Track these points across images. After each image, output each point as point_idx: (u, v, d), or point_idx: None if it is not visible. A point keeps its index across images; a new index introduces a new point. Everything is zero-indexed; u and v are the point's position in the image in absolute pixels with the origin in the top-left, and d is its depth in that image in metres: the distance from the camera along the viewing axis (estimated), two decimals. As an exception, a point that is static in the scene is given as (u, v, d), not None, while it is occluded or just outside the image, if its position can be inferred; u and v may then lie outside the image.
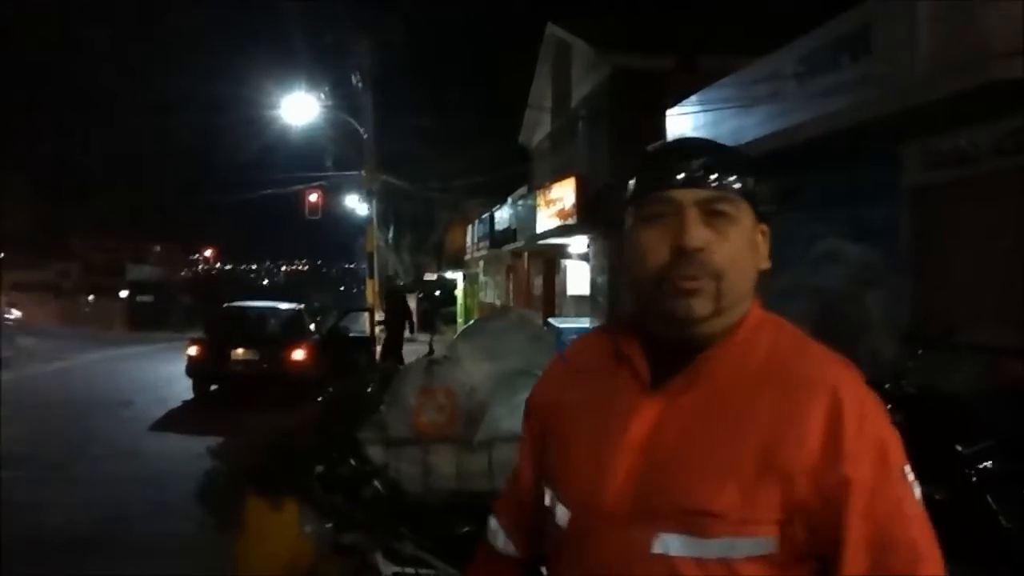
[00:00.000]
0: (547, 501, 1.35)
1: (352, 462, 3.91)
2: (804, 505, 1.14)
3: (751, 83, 10.34)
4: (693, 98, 12.21)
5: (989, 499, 5.49)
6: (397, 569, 3.47)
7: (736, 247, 1.23)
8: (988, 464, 5.61)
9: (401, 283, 35.49)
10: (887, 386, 6.67)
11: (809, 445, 1.14)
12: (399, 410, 4.50)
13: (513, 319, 4.92)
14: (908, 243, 8.14)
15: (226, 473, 5.15)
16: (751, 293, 1.29)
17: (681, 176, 1.24)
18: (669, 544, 1.17)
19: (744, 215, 1.26)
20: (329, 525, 3.67)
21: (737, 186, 1.25)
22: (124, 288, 41.62)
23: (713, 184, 1.24)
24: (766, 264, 1.31)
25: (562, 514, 1.30)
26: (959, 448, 5.80)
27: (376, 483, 3.80)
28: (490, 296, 32.43)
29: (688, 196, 1.23)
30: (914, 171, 8.00)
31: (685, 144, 1.34)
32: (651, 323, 1.30)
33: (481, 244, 29.97)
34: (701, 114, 11.89)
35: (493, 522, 1.56)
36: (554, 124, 23.14)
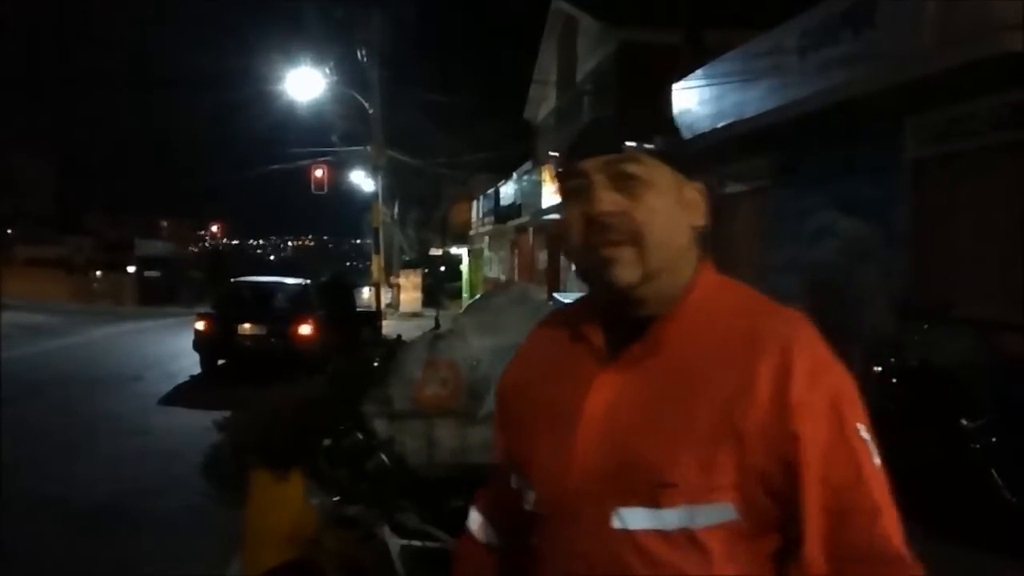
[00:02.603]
0: (514, 484, 1.35)
1: (358, 435, 3.96)
2: (760, 467, 1.11)
3: (754, 57, 10.32)
4: (698, 72, 12.18)
5: (993, 473, 5.53)
6: (403, 542, 3.52)
7: (652, 207, 1.21)
8: (992, 438, 5.64)
9: (407, 258, 35.55)
10: (891, 360, 6.72)
11: (758, 402, 1.11)
12: (403, 384, 4.54)
13: (517, 293, 4.96)
14: (907, 217, 8.14)
15: (232, 446, 5.21)
16: (688, 252, 1.27)
17: (587, 146, 1.26)
18: (629, 518, 1.15)
19: (659, 174, 1.23)
20: (335, 498, 3.72)
21: (648, 145, 1.24)
22: (133, 264, 41.65)
23: (617, 147, 1.23)
24: (701, 221, 1.29)
25: (529, 497, 1.30)
26: (963, 422, 5.84)
27: (381, 456, 3.85)
28: (495, 271, 32.45)
29: (593, 163, 1.23)
30: (914, 145, 8.00)
31: (596, 117, 1.38)
32: (600, 296, 1.30)
33: (486, 219, 29.97)
34: (706, 88, 11.86)
35: (474, 512, 1.54)
36: (559, 99, 23.07)
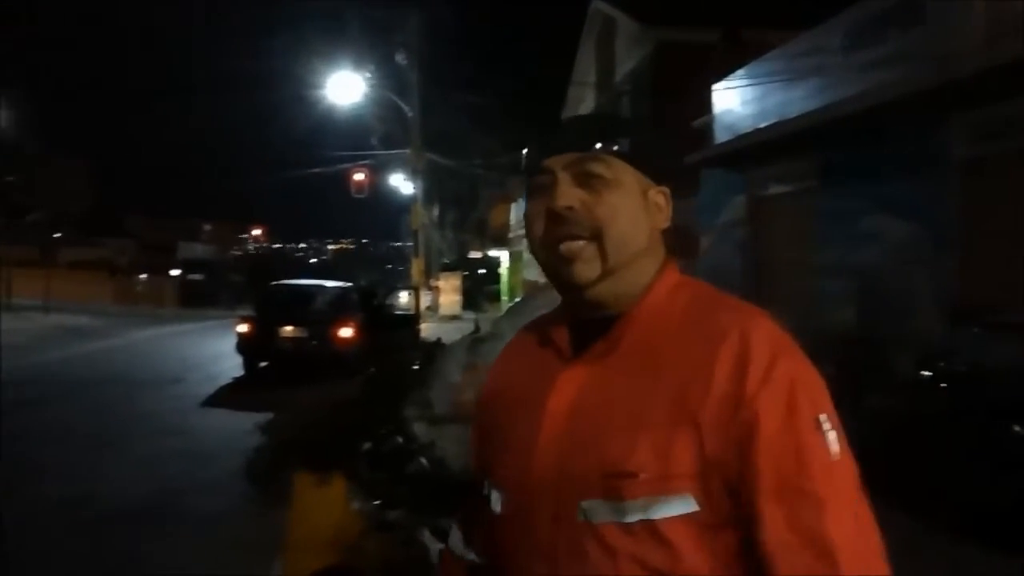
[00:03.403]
0: (485, 490, 1.34)
1: (398, 439, 3.93)
2: (716, 457, 1.11)
3: (796, 56, 10.20)
4: (739, 72, 12.06)
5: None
6: (442, 546, 3.48)
7: (614, 205, 1.23)
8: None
9: (446, 260, 35.63)
10: (940, 365, 6.59)
11: (716, 391, 1.12)
12: (443, 388, 4.51)
13: (552, 296, 4.91)
14: (955, 218, 7.97)
15: (274, 449, 5.21)
16: (650, 254, 1.29)
17: (554, 145, 1.28)
18: (591, 511, 1.15)
19: (623, 175, 1.26)
20: (376, 502, 3.69)
21: (613, 146, 1.26)
22: (175, 267, 42.23)
23: (584, 147, 1.25)
24: (665, 224, 1.30)
25: (496, 499, 1.30)
26: (1015, 428, 5.70)
27: (422, 460, 3.82)
28: (534, 274, 32.38)
29: (558, 162, 1.25)
30: (963, 144, 7.82)
31: (566, 119, 1.38)
32: (563, 297, 1.32)
33: (524, 222, 29.90)
34: (747, 89, 11.74)
35: (454, 527, 1.53)
36: (598, 100, 23.00)
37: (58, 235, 37.61)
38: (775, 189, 11.40)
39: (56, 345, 18.49)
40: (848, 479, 1.13)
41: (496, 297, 34.83)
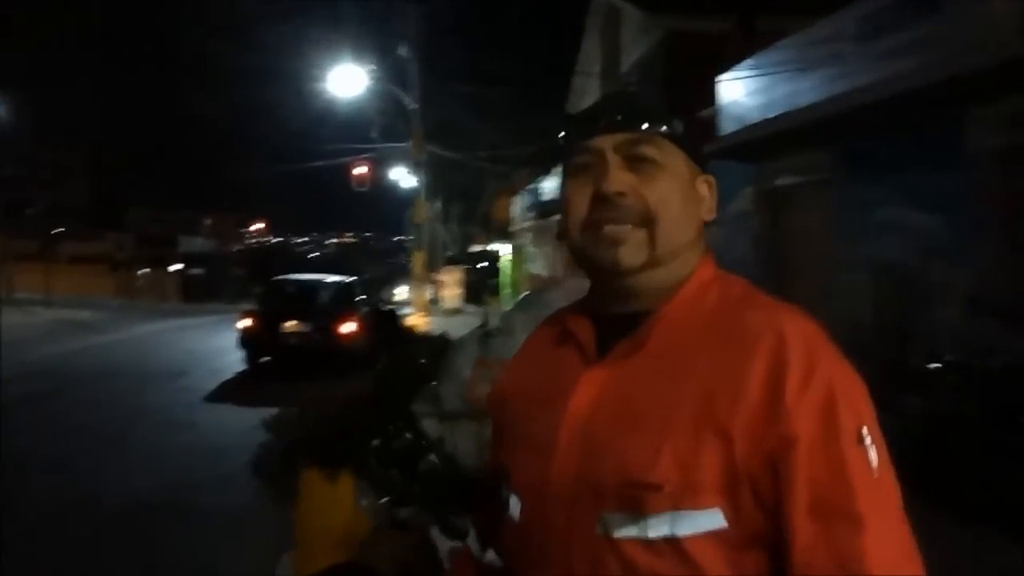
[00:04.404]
0: (503, 494, 1.27)
1: (408, 436, 3.82)
2: (748, 470, 1.03)
3: (809, 45, 10.05)
4: (749, 61, 11.91)
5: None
6: (453, 544, 3.39)
7: (666, 192, 1.17)
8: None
9: (449, 254, 35.57)
10: (963, 359, 6.48)
11: (748, 400, 1.04)
12: (453, 383, 4.38)
13: (570, 288, 4.78)
14: (977, 210, 7.82)
15: (281, 445, 5.12)
16: (695, 246, 1.22)
17: (602, 123, 1.20)
18: (611, 524, 1.08)
19: (675, 160, 1.19)
20: (386, 499, 3.58)
21: (666, 128, 1.19)
22: (176, 260, 42.22)
23: (635, 127, 1.19)
24: (711, 216, 1.24)
25: (514, 505, 1.22)
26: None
27: (432, 457, 3.71)
28: (537, 267, 32.30)
29: (607, 141, 1.18)
30: (984, 134, 7.67)
31: (611, 94, 1.29)
32: (593, 287, 1.26)
33: (528, 215, 29.84)
34: (756, 79, 11.60)
35: (472, 531, 1.48)
36: (603, 91, 22.85)
37: (58, 229, 37.63)
38: (784, 180, 11.27)
39: (59, 339, 18.46)
40: (890, 498, 1.05)
41: (497, 291, 34.79)
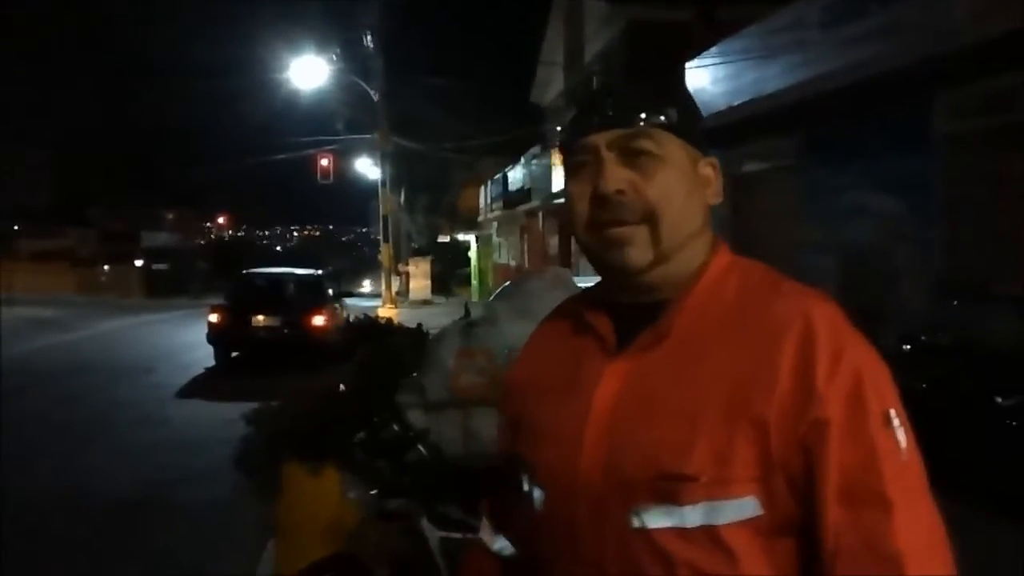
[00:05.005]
0: (525, 487, 1.25)
1: (395, 427, 3.86)
2: (781, 457, 1.04)
3: (773, 33, 10.16)
4: (713, 50, 12.02)
5: (1029, 450, 5.41)
6: (443, 534, 3.43)
7: (667, 184, 1.15)
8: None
9: (415, 245, 35.50)
10: (923, 339, 6.61)
11: (780, 387, 1.04)
12: (437, 373, 4.42)
13: (550, 277, 4.82)
14: (940, 193, 7.98)
15: (262, 439, 5.12)
16: (703, 233, 1.21)
17: (595, 120, 1.18)
18: (646, 517, 1.08)
19: (673, 149, 1.16)
20: (374, 491, 3.62)
21: (663, 116, 1.16)
22: (139, 256, 41.68)
23: (628, 122, 1.16)
24: (717, 199, 1.22)
25: (538, 497, 1.21)
26: (998, 400, 5.73)
27: (420, 447, 3.75)
28: (504, 257, 32.36)
29: (601, 139, 1.16)
30: (947, 120, 7.83)
31: (602, 85, 1.28)
32: (605, 281, 1.25)
33: (495, 205, 29.89)
34: (721, 66, 11.71)
35: (485, 521, 1.44)
36: (567, 81, 22.91)
37: (17, 227, 37.04)
38: (750, 167, 11.40)
39: (22, 338, 18.15)
40: (918, 480, 1.06)
41: (467, 281, 34.77)
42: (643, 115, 1.16)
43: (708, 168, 1.22)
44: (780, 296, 1.13)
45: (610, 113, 1.17)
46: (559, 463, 1.17)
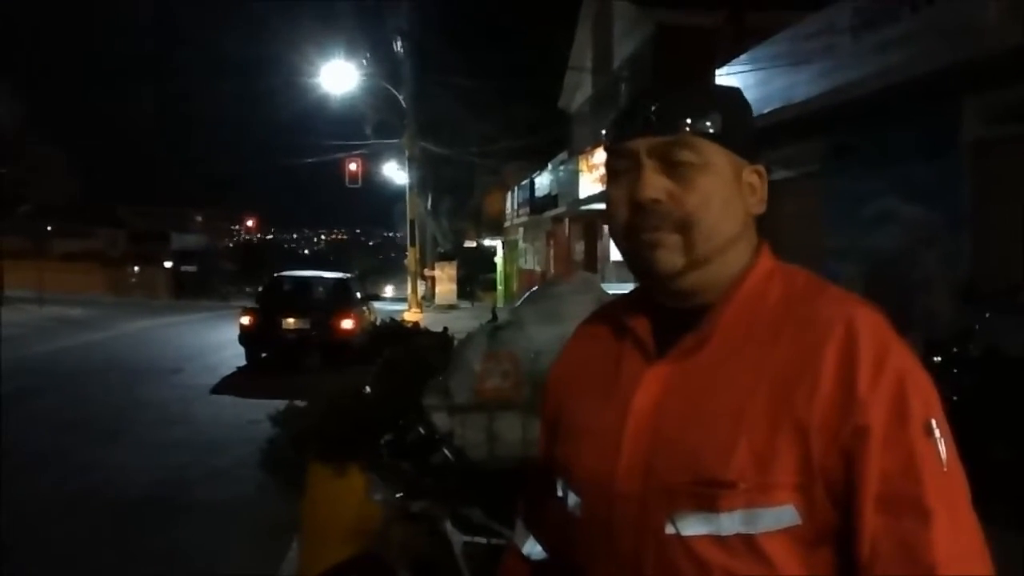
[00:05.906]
0: (559, 491, 1.25)
1: (420, 429, 3.86)
2: (822, 463, 1.03)
3: (803, 39, 10.08)
4: (743, 56, 11.95)
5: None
6: (467, 538, 3.43)
7: (705, 195, 1.13)
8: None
9: (441, 250, 35.57)
10: (953, 349, 6.52)
11: (821, 392, 1.03)
12: (463, 376, 4.43)
13: (577, 282, 4.83)
14: (969, 200, 7.88)
15: (287, 439, 5.15)
16: (743, 239, 1.19)
17: (638, 125, 1.16)
18: (683, 523, 1.07)
19: (715, 157, 1.14)
20: (399, 494, 3.62)
21: (707, 124, 1.14)
22: (168, 257, 42.09)
23: (669, 129, 1.14)
24: (760, 208, 1.21)
25: (573, 502, 1.21)
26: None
27: (445, 450, 3.75)
28: (530, 263, 32.32)
29: (641, 145, 1.15)
30: (976, 125, 7.74)
31: (647, 90, 1.23)
32: (644, 286, 1.24)
33: (521, 211, 29.86)
34: (751, 73, 11.64)
35: (520, 524, 1.43)
36: (595, 87, 22.87)
37: (50, 227, 37.48)
38: (779, 174, 11.33)
39: (53, 336, 18.41)
40: (959, 491, 1.04)
41: (492, 286, 34.79)
42: (687, 123, 1.14)
43: (754, 176, 1.20)
44: (823, 301, 1.12)
45: (653, 120, 1.15)
46: (597, 466, 1.16)
